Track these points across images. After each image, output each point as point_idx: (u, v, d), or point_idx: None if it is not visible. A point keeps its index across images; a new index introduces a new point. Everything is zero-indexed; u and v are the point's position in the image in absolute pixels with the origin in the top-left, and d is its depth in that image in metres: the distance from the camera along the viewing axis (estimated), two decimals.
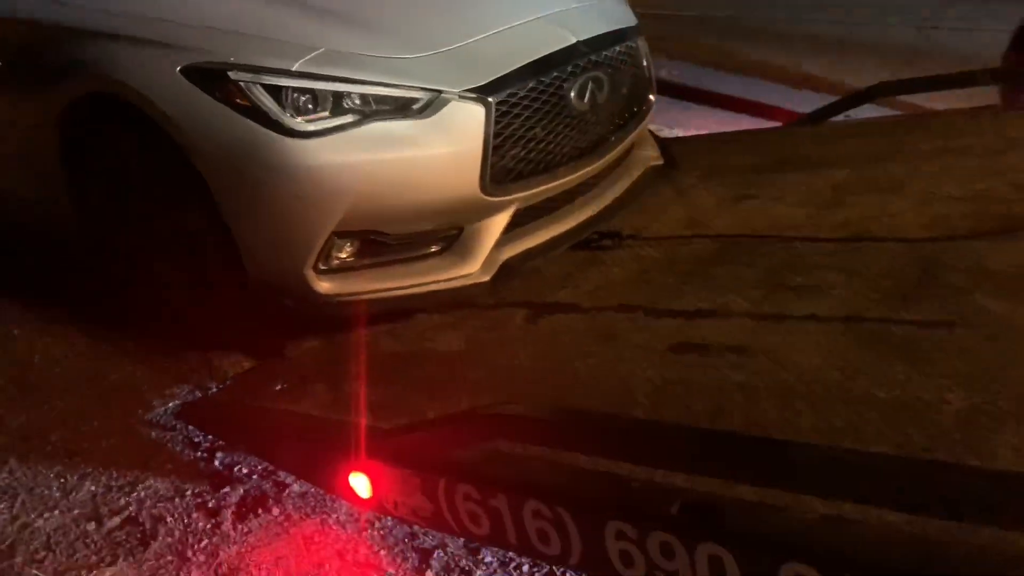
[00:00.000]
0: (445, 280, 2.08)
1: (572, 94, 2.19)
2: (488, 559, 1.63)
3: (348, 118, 1.93)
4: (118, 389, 2.20)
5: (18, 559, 1.67)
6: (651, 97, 2.63)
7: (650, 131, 2.90)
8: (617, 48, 2.39)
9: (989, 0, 5.11)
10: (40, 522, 1.76)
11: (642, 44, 2.60)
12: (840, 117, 3.23)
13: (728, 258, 2.21)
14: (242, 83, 1.93)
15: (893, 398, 1.39)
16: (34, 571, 1.62)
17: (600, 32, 2.35)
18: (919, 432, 1.30)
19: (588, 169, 2.29)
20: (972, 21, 5.31)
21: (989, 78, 2.93)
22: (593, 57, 2.26)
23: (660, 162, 2.77)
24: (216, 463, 1.92)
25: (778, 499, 1.18)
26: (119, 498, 1.83)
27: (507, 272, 2.14)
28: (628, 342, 1.85)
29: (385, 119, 1.96)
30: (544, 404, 1.51)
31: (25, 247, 2.82)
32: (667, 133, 3.67)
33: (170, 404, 2.12)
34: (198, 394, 2.16)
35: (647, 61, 2.60)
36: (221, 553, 1.67)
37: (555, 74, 2.15)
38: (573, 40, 2.23)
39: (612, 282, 2.20)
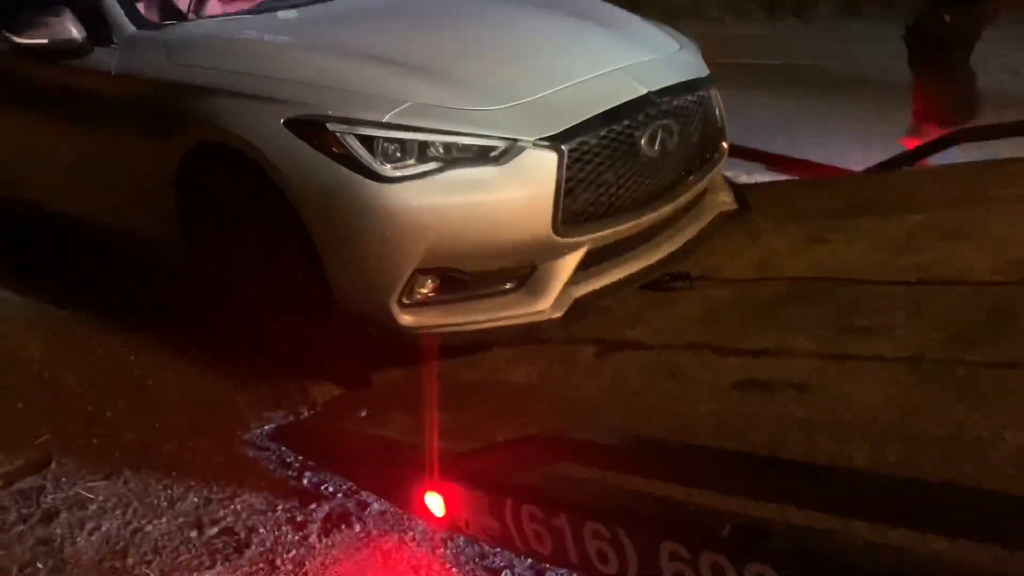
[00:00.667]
0: (518, 316, 2.20)
1: (643, 142, 2.30)
2: None
3: (432, 165, 2.10)
4: (221, 411, 2.40)
5: (129, 560, 1.85)
6: (723, 144, 2.72)
7: (725, 176, 2.98)
8: (688, 98, 2.50)
9: None
10: (149, 528, 1.95)
11: (714, 93, 2.70)
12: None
13: (797, 300, 2.26)
14: (338, 133, 2.13)
15: (949, 435, 1.42)
16: (145, 570, 1.80)
17: (671, 83, 2.46)
18: (973, 467, 1.33)
19: (658, 213, 2.39)
20: None
21: None
22: (664, 107, 2.37)
23: (733, 207, 2.84)
24: (305, 481, 2.08)
25: (825, 524, 1.23)
26: (218, 509, 2.00)
27: (578, 309, 2.25)
28: (693, 378, 1.93)
29: (466, 166, 2.12)
30: (606, 430, 1.60)
31: (141, 283, 3.11)
32: (744, 179, 3.72)
33: (266, 426, 2.31)
34: (291, 418, 2.33)
35: (719, 110, 2.69)
36: (307, 564, 1.81)
37: (626, 123, 2.27)
38: (644, 91, 2.35)
39: (681, 321, 2.28)
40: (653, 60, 2.59)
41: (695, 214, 2.66)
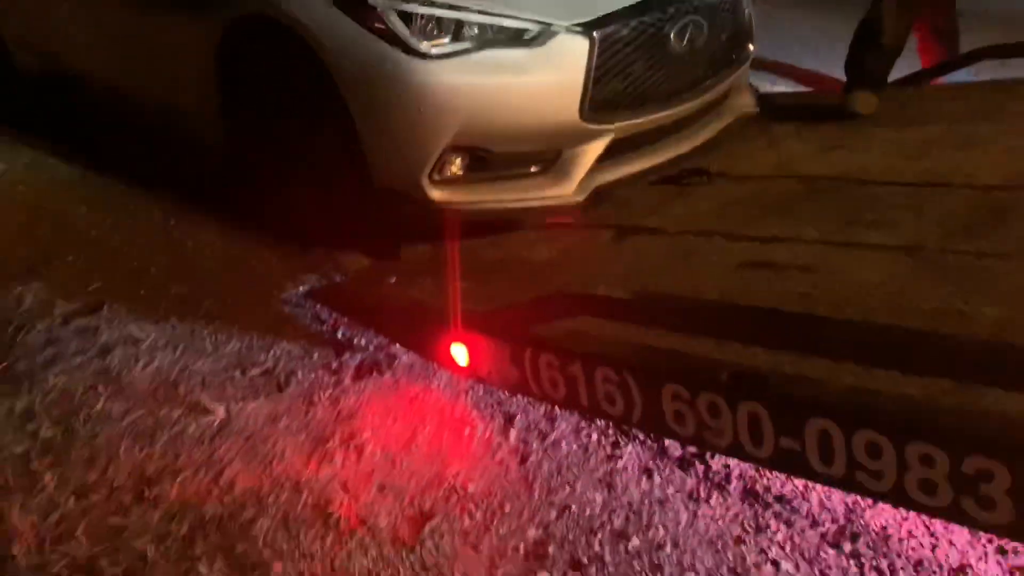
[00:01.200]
0: (542, 198, 2.32)
1: (672, 36, 2.37)
2: (562, 426, 1.89)
3: (467, 44, 2.19)
4: (258, 273, 2.56)
5: (181, 390, 2.04)
6: (750, 46, 2.78)
7: (750, 83, 3.04)
8: None
9: None
10: (197, 365, 2.13)
11: None
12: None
13: (809, 197, 2.37)
14: (380, 9, 2.22)
15: (934, 308, 1.57)
16: (196, 397, 1.99)
17: None
18: (953, 331, 1.48)
19: (682, 108, 2.48)
20: None
21: None
22: (695, 3, 2.43)
23: (755, 110, 2.91)
24: (339, 335, 2.26)
25: (813, 371, 1.39)
26: (259, 354, 2.18)
27: (599, 197, 2.36)
28: (704, 260, 2.06)
29: (500, 47, 2.20)
30: (620, 287, 1.75)
31: (182, 156, 3.23)
32: (768, 88, 3.77)
33: (301, 288, 2.47)
34: (325, 282, 2.50)
35: (748, 12, 2.74)
36: (341, 401, 2.00)
37: (657, 16, 2.34)
38: None
39: (696, 212, 2.40)
40: None
41: (718, 113, 2.74)
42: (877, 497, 1.33)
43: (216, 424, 1.92)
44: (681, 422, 1.50)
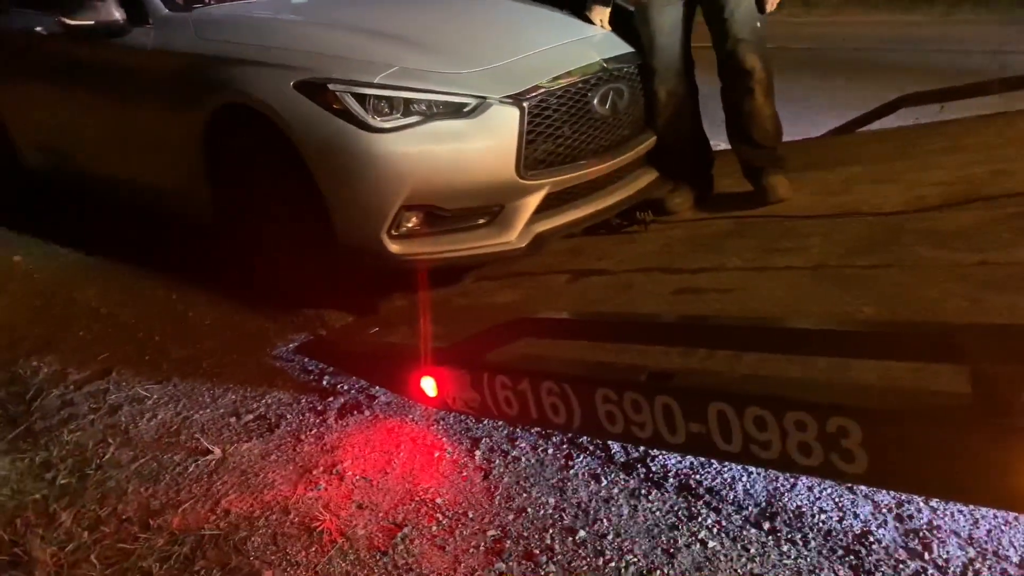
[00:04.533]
0: (489, 246, 2.62)
1: (595, 101, 2.71)
2: (522, 444, 2.12)
3: (415, 118, 2.52)
4: (251, 335, 2.83)
5: (182, 437, 2.28)
6: None
7: None
8: (637, 66, 2.90)
9: None
10: (196, 415, 2.38)
11: None
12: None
13: (738, 233, 2.66)
14: (338, 92, 2.54)
15: (823, 310, 1.82)
16: (195, 442, 2.23)
17: (620, 53, 2.87)
18: (836, 326, 1.72)
19: (610, 163, 2.80)
20: None
21: (998, 87, 3.24)
22: (614, 72, 2.77)
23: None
24: (324, 382, 2.50)
25: (715, 366, 1.64)
26: (252, 403, 2.42)
27: (540, 243, 2.65)
28: (641, 290, 2.33)
29: (443, 119, 2.53)
30: (557, 310, 2.00)
31: (168, 231, 3.53)
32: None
33: (290, 344, 2.73)
34: (312, 337, 2.76)
35: None
36: (326, 437, 2.23)
37: (580, 85, 2.68)
38: (596, 58, 2.77)
39: (640, 254, 2.69)
40: (605, 34, 2.99)
41: (641, 169, 3.05)
42: (770, 466, 1.55)
43: (214, 463, 2.15)
44: (612, 421, 1.73)
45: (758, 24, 2.87)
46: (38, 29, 3.76)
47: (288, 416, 2.34)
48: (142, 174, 3.43)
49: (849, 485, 1.83)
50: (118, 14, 3.16)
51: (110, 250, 3.58)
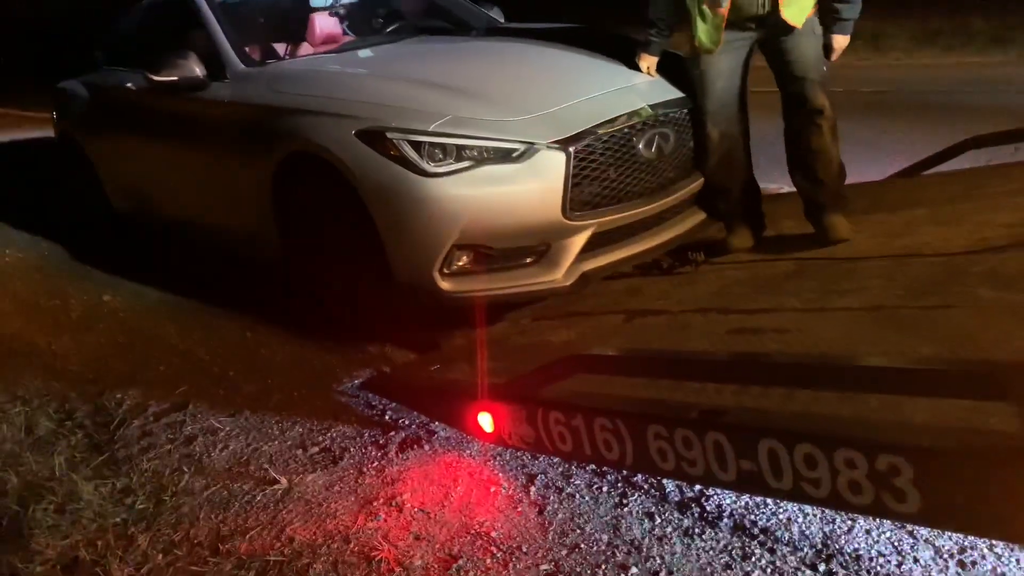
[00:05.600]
0: (536, 284, 2.70)
1: (640, 145, 2.78)
2: (577, 482, 2.15)
3: (466, 163, 2.64)
4: (319, 371, 2.95)
5: (251, 467, 2.39)
6: None
7: None
8: (684, 111, 2.96)
9: None
10: (265, 447, 2.48)
11: None
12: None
13: (799, 275, 2.65)
14: (395, 140, 2.69)
15: (880, 351, 1.81)
16: (263, 472, 2.33)
17: (667, 99, 2.93)
18: (895, 367, 1.72)
19: (655, 205, 2.85)
20: None
21: None
22: (660, 117, 2.84)
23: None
24: (386, 417, 2.58)
25: (768, 403, 1.65)
26: (318, 435, 2.52)
27: (585, 281, 2.72)
28: (697, 330, 2.35)
29: (492, 163, 2.65)
30: (612, 347, 2.04)
31: (249, 273, 3.72)
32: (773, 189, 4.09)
33: (356, 380, 2.84)
34: (375, 373, 2.85)
35: None
36: (387, 470, 2.30)
37: (625, 130, 2.75)
38: (641, 104, 2.84)
39: (698, 295, 2.71)
40: (652, 80, 3.05)
41: (688, 210, 3.08)
42: (821, 504, 1.54)
43: (280, 492, 2.24)
44: (664, 457, 1.75)
45: (823, 66, 2.90)
46: (128, 85, 4.07)
47: (351, 449, 2.42)
48: (217, 218, 3.65)
49: (909, 529, 1.80)
50: (199, 70, 3.40)
51: (190, 289, 3.79)
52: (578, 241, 2.70)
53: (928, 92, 8.02)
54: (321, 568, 1.91)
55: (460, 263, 2.69)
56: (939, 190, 3.27)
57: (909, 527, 1.82)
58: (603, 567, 1.84)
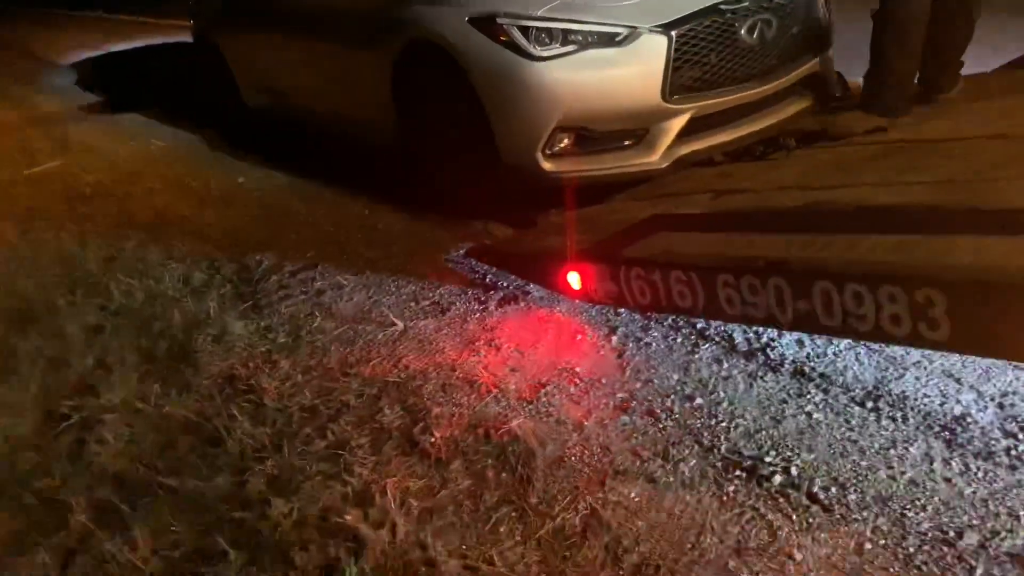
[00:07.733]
0: (634, 165, 2.88)
1: (742, 31, 2.87)
2: (654, 333, 2.41)
3: (571, 47, 2.81)
4: (429, 242, 3.28)
5: (372, 314, 2.76)
6: (825, 44, 3.17)
7: (838, 73, 3.41)
8: None
9: None
10: (384, 300, 2.85)
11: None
12: None
13: (883, 155, 2.74)
14: (505, 25, 2.89)
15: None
16: (383, 316, 2.70)
17: None
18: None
19: (755, 91, 2.94)
20: None
21: None
22: (764, 3, 2.91)
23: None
24: (487, 279, 2.90)
25: (823, 255, 1.84)
26: (428, 292, 2.86)
27: (682, 164, 2.87)
28: (776, 203, 2.51)
29: (596, 48, 2.81)
30: (687, 207, 2.25)
31: (368, 158, 4.07)
32: None
33: (461, 250, 3.15)
34: (478, 244, 3.16)
35: (823, 11, 3.15)
36: (487, 320, 2.62)
37: (728, 15, 2.85)
38: None
39: (783, 176, 2.83)
40: None
41: (791, 98, 3.15)
42: (865, 337, 1.73)
43: (397, 332, 2.60)
44: (731, 303, 1.97)
45: None
46: None
47: (457, 303, 2.75)
48: (340, 107, 3.98)
49: (956, 376, 1.97)
50: None
51: (315, 173, 4.18)
52: (676, 124, 2.86)
53: None
54: (431, 388, 2.27)
55: (562, 144, 2.91)
56: None
57: (956, 375, 2.00)
58: (672, 397, 2.11)
